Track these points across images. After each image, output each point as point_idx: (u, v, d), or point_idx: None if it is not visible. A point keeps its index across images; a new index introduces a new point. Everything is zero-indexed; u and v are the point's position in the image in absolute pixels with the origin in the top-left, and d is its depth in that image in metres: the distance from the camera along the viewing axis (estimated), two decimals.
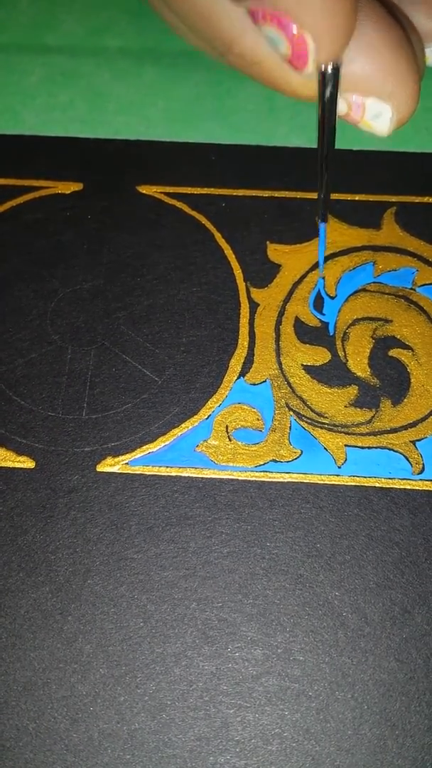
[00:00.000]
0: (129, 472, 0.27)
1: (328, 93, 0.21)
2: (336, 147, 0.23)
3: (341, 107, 0.22)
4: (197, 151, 0.32)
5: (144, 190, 0.31)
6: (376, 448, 0.27)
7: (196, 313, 0.29)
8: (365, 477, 0.26)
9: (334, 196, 0.31)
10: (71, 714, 0.24)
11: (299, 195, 0.31)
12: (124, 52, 0.35)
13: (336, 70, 0.21)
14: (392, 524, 0.26)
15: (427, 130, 0.32)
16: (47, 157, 0.32)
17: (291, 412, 0.27)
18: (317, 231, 0.30)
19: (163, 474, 0.27)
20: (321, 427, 0.27)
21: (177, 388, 0.28)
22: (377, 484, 0.26)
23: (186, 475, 0.27)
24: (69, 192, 0.31)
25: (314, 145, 0.31)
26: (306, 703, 0.24)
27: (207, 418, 0.27)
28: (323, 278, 0.29)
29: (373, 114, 0.22)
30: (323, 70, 0.20)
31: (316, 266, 0.30)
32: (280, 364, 0.28)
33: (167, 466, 0.27)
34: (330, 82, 0.21)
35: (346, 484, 0.26)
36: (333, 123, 0.23)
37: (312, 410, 0.27)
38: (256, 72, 0.23)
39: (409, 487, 0.26)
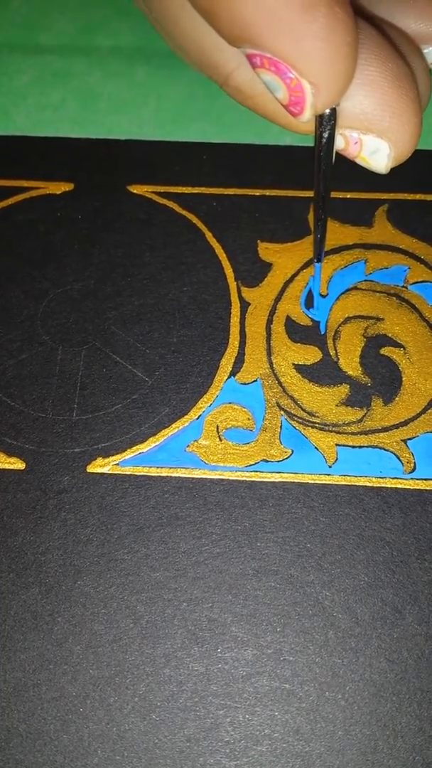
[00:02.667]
0: (119, 472, 0.27)
1: (325, 135, 0.20)
2: (333, 161, 0.22)
3: (338, 142, 0.21)
4: (189, 151, 0.32)
5: (135, 189, 0.31)
6: (367, 447, 0.27)
7: (186, 313, 0.29)
8: (356, 476, 0.26)
9: None
10: (61, 715, 0.24)
11: (291, 193, 0.31)
12: (116, 51, 0.34)
13: (333, 111, 0.20)
14: (383, 523, 0.26)
15: None
16: (38, 158, 0.32)
17: (282, 412, 0.27)
18: (308, 230, 0.30)
19: (153, 474, 0.27)
20: (312, 427, 0.27)
21: (167, 388, 0.28)
22: (368, 484, 0.26)
23: (176, 475, 0.27)
24: (60, 192, 0.31)
25: (306, 144, 0.31)
26: (296, 704, 0.24)
27: (197, 418, 0.27)
28: (316, 311, 0.29)
29: (371, 150, 0.21)
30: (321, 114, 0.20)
31: (307, 264, 0.29)
32: (271, 363, 0.28)
33: (158, 467, 0.27)
34: (327, 125, 0.20)
35: (337, 483, 0.26)
36: (330, 164, 0.22)
37: (303, 409, 0.27)
38: (253, 105, 0.23)
39: (400, 486, 0.26)
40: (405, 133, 0.20)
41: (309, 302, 0.29)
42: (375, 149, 0.21)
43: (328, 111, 0.20)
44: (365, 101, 0.20)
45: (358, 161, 0.22)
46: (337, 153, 0.22)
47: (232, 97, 0.23)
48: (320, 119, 0.20)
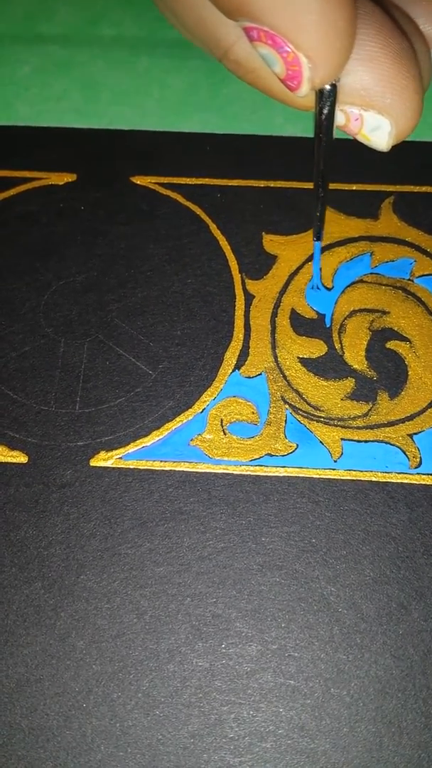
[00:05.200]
0: (122, 466, 0.26)
1: (325, 111, 0.20)
2: (333, 136, 0.22)
3: (339, 119, 0.21)
4: (192, 141, 0.32)
5: (138, 180, 0.31)
6: (372, 441, 0.27)
7: (190, 306, 0.29)
8: (362, 471, 0.26)
9: (332, 185, 0.30)
10: (64, 711, 0.24)
11: (295, 185, 0.30)
12: (119, 41, 0.34)
13: (333, 87, 0.19)
14: (389, 519, 0.26)
15: (424, 119, 0.32)
16: (41, 148, 0.32)
17: (287, 406, 0.27)
18: (312, 222, 0.30)
19: (157, 468, 0.26)
20: (317, 421, 0.27)
21: (171, 382, 0.28)
22: (374, 479, 0.26)
23: (180, 469, 0.26)
24: (63, 183, 0.31)
25: (310, 134, 0.31)
26: (301, 700, 0.24)
27: (201, 412, 0.27)
28: (317, 287, 0.29)
29: (372, 127, 0.21)
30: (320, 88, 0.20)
31: (312, 258, 0.29)
32: (275, 356, 0.28)
33: (161, 461, 0.26)
34: (327, 100, 0.20)
35: (342, 478, 0.26)
36: (331, 140, 0.22)
37: (308, 403, 0.27)
38: (252, 79, 0.23)
39: (406, 481, 0.26)
40: (406, 109, 0.20)
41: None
42: (376, 126, 0.21)
43: (328, 87, 0.19)
44: (366, 77, 0.20)
45: (359, 138, 0.22)
46: (338, 130, 0.21)
47: (231, 71, 0.23)
48: (320, 95, 0.20)
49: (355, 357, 0.28)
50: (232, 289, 0.29)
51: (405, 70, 0.20)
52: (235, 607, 0.25)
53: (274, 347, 0.28)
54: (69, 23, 0.35)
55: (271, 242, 0.30)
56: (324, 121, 0.20)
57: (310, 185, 0.30)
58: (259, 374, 0.28)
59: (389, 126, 0.21)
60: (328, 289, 0.29)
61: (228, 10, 0.19)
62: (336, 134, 0.22)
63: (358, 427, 0.27)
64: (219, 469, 0.26)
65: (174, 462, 0.26)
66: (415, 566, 0.25)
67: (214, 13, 0.21)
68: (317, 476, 0.26)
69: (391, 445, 0.26)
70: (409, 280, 0.29)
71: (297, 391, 0.27)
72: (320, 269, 0.29)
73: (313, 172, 0.23)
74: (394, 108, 0.20)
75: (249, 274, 0.29)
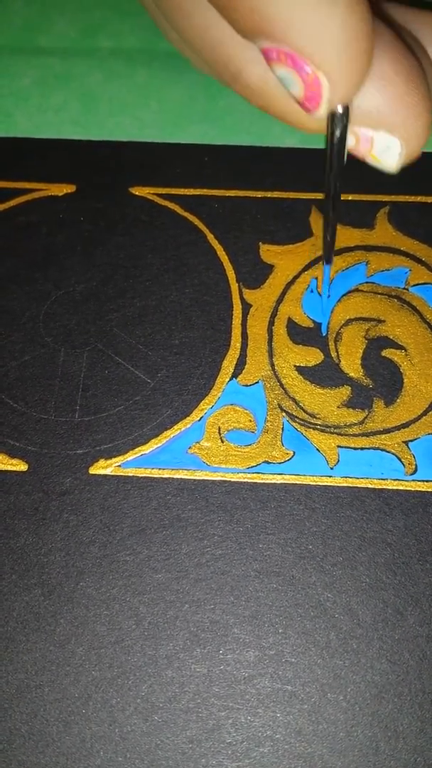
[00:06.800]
0: (121, 474, 0.27)
1: (337, 133, 0.20)
2: (345, 160, 0.22)
3: (349, 140, 0.21)
4: (190, 152, 0.32)
5: (137, 191, 0.31)
6: (368, 449, 0.27)
7: (188, 315, 0.29)
8: (358, 478, 0.26)
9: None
10: (64, 716, 0.24)
11: (292, 195, 0.31)
12: (117, 53, 0.35)
13: (346, 109, 0.19)
14: (385, 525, 0.26)
15: None
16: (40, 159, 0.32)
17: (283, 413, 0.27)
18: (310, 232, 0.30)
19: (155, 476, 0.27)
20: (313, 428, 0.27)
21: (169, 390, 0.28)
22: (370, 485, 0.26)
23: (178, 477, 0.27)
24: (62, 194, 0.31)
25: (307, 146, 0.31)
26: (298, 705, 0.24)
27: (199, 420, 0.27)
28: (326, 325, 0.29)
29: (382, 148, 0.21)
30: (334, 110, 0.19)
31: (308, 267, 0.30)
32: (272, 365, 0.28)
33: (159, 468, 0.27)
34: (340, 123, 0.20)
35: (338, 485, 0.26)
36: (342, 163, 0.21)
37: (305, 411, 0.27)
38: (263, 103, 0.22)
39: (401, 488, 0.26)
40: (417, 128, 0.20)
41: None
42: (386, 147, 0.21)
43: (340, 108, 0.19)
44: (378, 96, 0.20)
45: (369, 160, 0.21)
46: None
47: (240, 94, 0.23)
48: (332, 117, 0.20)
49: (351, 365, 0.28)
50: (229, 299, 0.29)
51: (416, 90, 0.20)
52: (233, 614, 0.25)
53: (271, 356, 0.28)
54: (67, 35, 0.35)
55: (267, 252, 0.30)
56: (336, 143, 0.20)
57: (307, 195, 0.31)
58: (256, 382, 0.28)
59: (399, 146, 0.20)
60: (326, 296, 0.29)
61: (247, 31, 0.19)
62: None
63: (354, 435, 0.27)
64: (217, 477, 0.27)
65: (172, 470, 0.27)
66: (410, 572, 0.25)
67: (226, 35, 0.21)
68: (314, 483, 0.26)
69: (387, 452, 0.27)
70: (404, 289, 0.29)
71: (294, 399, 0.28)
72: (329, 286, 0.29)
73: (323, 198, 0.23)
74: (405, 127, 0.20)
75: (246, 283, 0.29)
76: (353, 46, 0.18)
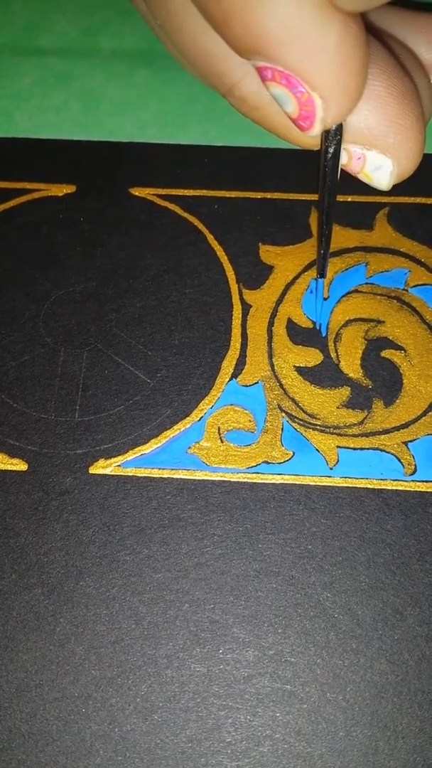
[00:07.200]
0: (121, 474, 0.27)
1: (331, 150, 0.20)
2: (338, 176, 0.22)
3: (341, 158, 0.21)
4: (190, 153, 0.32)
5: (137, 192, 0.31)
6: (368, 449, 0.27)
7: (188, 315, 0.29)
8: (357, 478, 0.27)
9: None
10: (63, 716, 0.24)
11: (292, 196, 0.31)
12: (118, 53, 0.35)
13: (339, 127, 0.20)
14: (384, 525, 0.26)
15: None
16: (40, 160, 0.32)
17: (283, 414, 0.27)
18: (309, 233, 0.30)
19: (155, 476, 0.27)
20: (313, 429, 0.27)
21: (169, 390, 0.28)
22: (369, 486, 0.26)
23: (178, 476, 0.27)
24: (62, 194, 0.31)
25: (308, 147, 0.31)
26: (297, 705, 0.24)
27: (199, 420, 0.27)
28: (323, 325, 0.29)
29: (374, 166, 0.21)
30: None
31: (308, 267, 0.30)
32: (272, 365, 0.28)
33: (159, 468, 0.27)
34: (333, 139, 0.20)
35: (338, 485, 0.26)
36: (335, 178, 0.22)
37: (304, 411, 0.27)
38: (258, 117, 0.22)
39: (401, 488, 0.26)
40: (409, 149, 0.20)
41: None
42: (378, 165, 0.21)
43: (334, 126, 0.19)
44: (370, 116, 0.20)
45: (361, 177, 0.22)
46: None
47: (235, 107, 0.23)
48: (326, 134, 0.20)
49: (351, 365, 0.28)
50: (229, 299, 0.29)
51: (409, 110, 0.20)
52: (233, 613, 0.25)
53: (270, 356, 0.28)
54: (68, 36, 0.35)
55: (267, 253, 0.30)
56: (329, 160, 0.20)
57: (306, 197, 0.31)
58: (255, 383, 0.28)
59: (391, 165, 0.21)
60: (324, 299, 0.29)
61: (242, 49, 0.18)
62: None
63: (354, 435, 0.27)
64: (216, 477, 0.27)
65: (172, 469, 0.27)
66: (410, 572, 0.25)
67: (221, 49, 0.21)
68: (313, 483, 0.26)
69: (386, 452, 0.27)
70: (403, 289, 0.29)
71: (293, 400, 0.28)
72: (323, 303, 0.29)
73: (318, 213, 0.23)
74: (396, 148, 0.20)
75: (246, 284, 0.30)
76: (348, 67, 0.18)
